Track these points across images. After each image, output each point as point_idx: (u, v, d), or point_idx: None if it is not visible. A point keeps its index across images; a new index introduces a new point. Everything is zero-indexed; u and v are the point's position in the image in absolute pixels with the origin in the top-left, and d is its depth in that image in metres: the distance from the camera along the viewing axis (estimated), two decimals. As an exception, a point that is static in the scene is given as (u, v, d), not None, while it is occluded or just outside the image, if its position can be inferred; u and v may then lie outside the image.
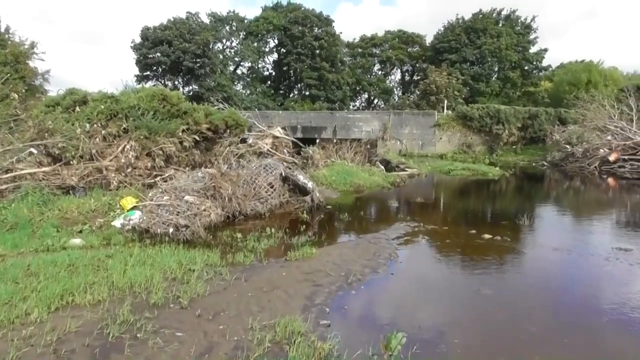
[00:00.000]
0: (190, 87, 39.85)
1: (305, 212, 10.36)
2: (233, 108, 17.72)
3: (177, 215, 8.21)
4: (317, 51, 42.26)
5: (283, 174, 10.95)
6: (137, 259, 6.46)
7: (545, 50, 42.39)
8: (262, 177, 10.51)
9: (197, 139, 12.55)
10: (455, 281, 6.27)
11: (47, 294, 4.95)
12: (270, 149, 20.96)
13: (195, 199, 8.72)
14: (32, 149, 10.09)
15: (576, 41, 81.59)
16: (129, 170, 10.54)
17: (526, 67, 42.37)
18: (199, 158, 12.93)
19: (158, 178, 10.72)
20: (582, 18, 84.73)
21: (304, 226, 9.25)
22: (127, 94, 11.98)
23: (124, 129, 11.04)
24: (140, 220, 8.24)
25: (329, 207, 11.35)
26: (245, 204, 9.82)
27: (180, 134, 12.00)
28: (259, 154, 19.44)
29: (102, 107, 11.04)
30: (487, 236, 8.37)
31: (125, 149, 10.61)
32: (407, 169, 18.89)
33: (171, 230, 7.91)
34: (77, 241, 7.48)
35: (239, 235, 8.24)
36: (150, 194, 9.01)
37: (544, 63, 43.35)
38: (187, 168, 12.07)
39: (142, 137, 10.96)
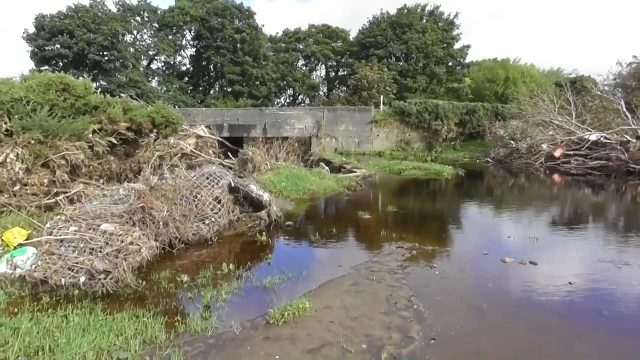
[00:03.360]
0: (99, 84, 35.29)
1: (263, 232, 8.11)
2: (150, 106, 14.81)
3: (92, 254, 5.63)
4: (239, 45, 39.23)
5: (232, 185, 8.57)
6: (26, 344, 3.95)
7: (469, 47, 42.73)
8: (205, 190, 8.07)
9: (114, 142, 9.66)
10: (529, 346, 4.23)
11: None
12: (194, 150, 18.43)
13: (117, 227, 6.13)
14: None
15: (485, 40, 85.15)
16: (16, 188, 7.56)
17: (450, 64, 42.45)
18: (117, 167, 10.07)
19: (61, 197, 7.93)
20: (489, 18, 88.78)
21: (268, 256, 7.00)
22: (10, 83, 8.79)
23: (7, 131, 8.01)
24: (34, 265, 5.56)
25: (289, 223, 9.15)
26: (187, 228, 7.36)
27: (91, 136, 9.11)
28: (182, 157, 16.97)
29: (-28, 101, 7.86)
30: (508, 260, 6.63)
31: (9, 159, 7.60)
32: (355, 170, 17.08)
33: (83, 279, 5.32)
34: None
35: (185, 277, 5.82)
36: (48, 225, 6.26)
37: (468, 60, 43.72)
38: (102, 181, 9.27)
39: (34, 141, 7.95)
